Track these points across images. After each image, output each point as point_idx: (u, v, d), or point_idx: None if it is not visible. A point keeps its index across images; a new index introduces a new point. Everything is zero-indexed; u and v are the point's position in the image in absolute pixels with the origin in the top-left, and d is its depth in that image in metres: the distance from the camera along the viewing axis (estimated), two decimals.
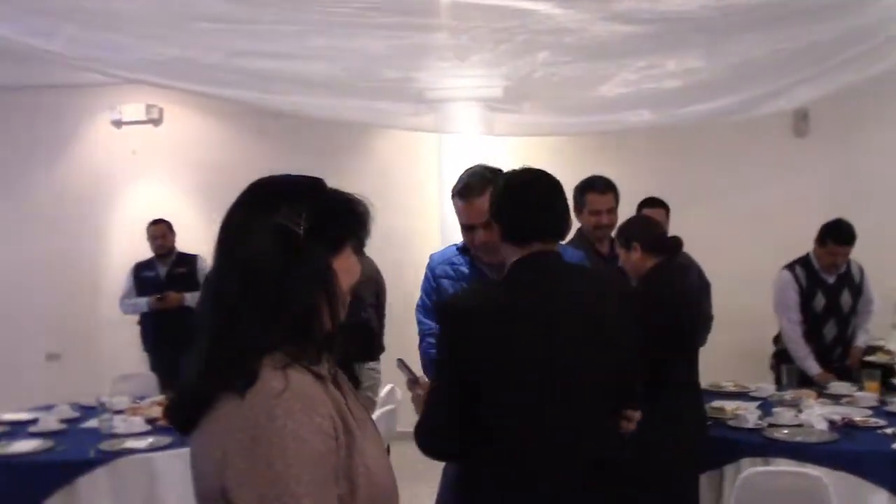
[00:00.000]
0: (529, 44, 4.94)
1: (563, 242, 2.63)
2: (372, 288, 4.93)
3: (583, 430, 2.24)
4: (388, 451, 3.75)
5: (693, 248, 4.72)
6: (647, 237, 3.66)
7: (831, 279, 4.94)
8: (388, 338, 5.17)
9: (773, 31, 4.77)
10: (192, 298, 6.05)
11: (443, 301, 2.43)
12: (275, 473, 1.29)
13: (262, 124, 7.20)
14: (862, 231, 4.86)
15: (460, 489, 2.45)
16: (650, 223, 3.91)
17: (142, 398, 4.86)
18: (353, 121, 6.25)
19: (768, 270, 5.18)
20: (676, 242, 3.78)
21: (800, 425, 3.82)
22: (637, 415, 2.45)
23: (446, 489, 2.93)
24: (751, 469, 3.49)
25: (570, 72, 5.21)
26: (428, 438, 2.30)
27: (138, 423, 4.08)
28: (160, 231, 6.37)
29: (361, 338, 3.58)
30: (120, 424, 4.07)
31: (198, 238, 6.09)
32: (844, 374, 4.85)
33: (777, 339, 5.22)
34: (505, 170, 2.53)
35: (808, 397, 4.25)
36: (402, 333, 3.14)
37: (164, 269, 6.38)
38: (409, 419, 2.54)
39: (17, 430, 4.24)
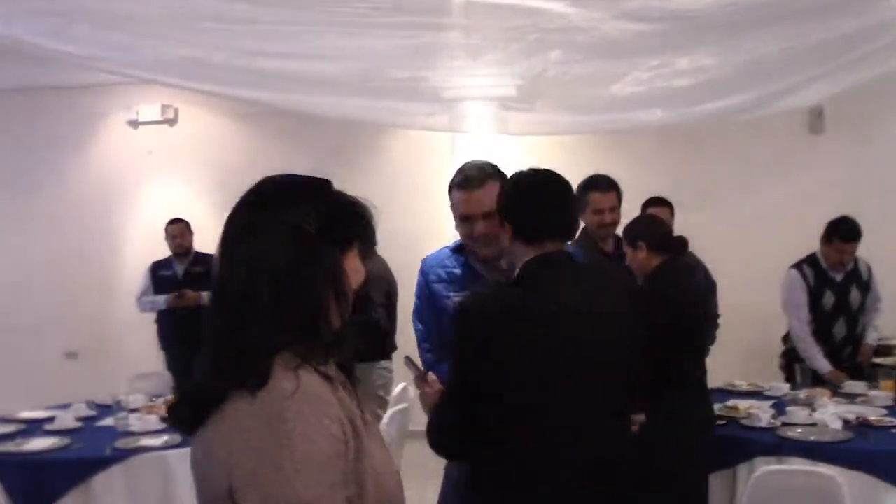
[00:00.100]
0: (541, 43, 4.93)
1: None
2: (383, 287, 4.94)
3: (591, 430, 2.24)
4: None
5: (707, 247, 4.71)
6: (652, 236, 3.67)
7: (839, 277, 4.93)
8: (399, 337, 5.18)
9: (786, 28, 4.75)
10: (209, 298, 6.07)
11: (457, 302, 2.43)
12: (283, 476, 1.28)
13: (277, 124, 7.23)
14: (878, 229, 4.84)
15: (466, 488, 2.45)
16: (656, 222, 3.92)
17: (157, 397, 4.89)
18: (366, 120, 6.27)
19: (784, 269, 5.15)
20: (682, 242, 3.79)
21: (814, 424, 3.80)
22: (640, 418, 2.45)
23: (450, 489, 2.92)
24: (764, 468, 3.47)
25: (582, 70, 5.21)
26: (440, 437, 2.31)
27: (153, 422, 4.10)
28: (179, 230, 6.41)
29: (371, 337, 3.59)
30: (135, 423, 4.10)
31: (213, 238, 6.04)
32: (855, 372, 4.83)
33: (786, 339, 5.20)
34: (513, 169, 2.52)
35: (823, 396, 4.23)
36: (413, 333, 3.16)
37: (181, 269, 6.42)
38: (421, 418, 2.54)
39: (34, 427, 4.28)
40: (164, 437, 3.87)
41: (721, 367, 4.46)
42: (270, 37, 4.73)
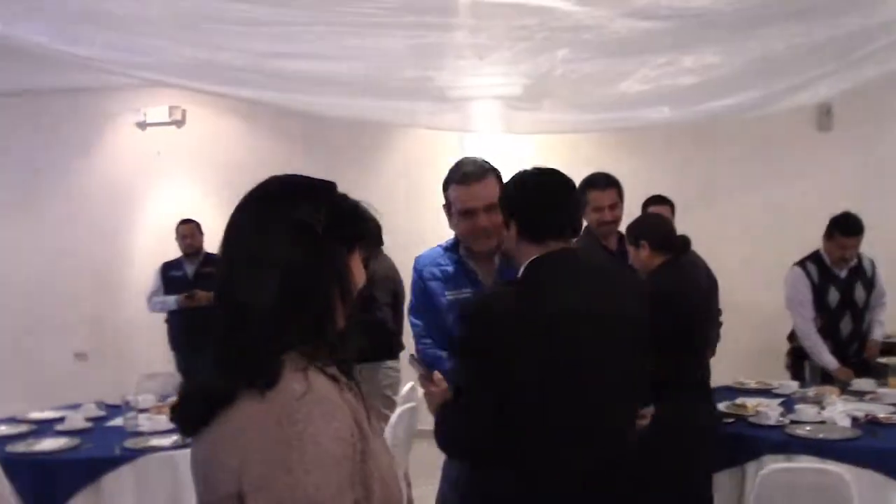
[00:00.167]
0: (548, 41, 4.92)
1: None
2: (389, 287, 4.95)
3: (592, 431, 2.25)
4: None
5: (715, 245, 4.71)
6: (655, 235, 3.68)
7: (843, 274, 4.93)
8: (406, 336, 5.17)
9: (793, 26, 4.73)
10: None
11: (463, 302, 2.43)
12: (294, 479, 1.28)
13: (285, 125, 7.25)
14: (886, 226, 4.83)
15: (467, 488, 2.45)
16: (659, 221, 3.94)
17: (166, 397, 4.91)
18: (374, 120, 6.28)
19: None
20: (684, 241, 3.81)
21: (822, 422, 3.80)
22: (650, 410, 2.45)
23: (448, 489, 2.92)
24: (771, 465, 3.47)
25: (589, 69, 5.19)
26: (448, 437, 2.32)
27: (162, 422, 4.11)
28: (189, 230, 6.44)
29: (375, 337, 3.60)
30: (144, 423, 4.12)
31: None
32: (862, 368, 4.83)
33: (792, 337, 5.19)
34: (522, 168, 2.53)
35: (831, 394, 4.23)
36: None
37: (191, 269, 6.46)
38: (429, 417, 2.54)
39: (45, 428, 4.30)
40: (173, 437, 3.88)
41: (728, 365, 4.46)
42: (278, 38, 4.74)
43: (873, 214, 4.90)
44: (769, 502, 3.36)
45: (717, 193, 6.77)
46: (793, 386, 4.62)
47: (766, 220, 6.73)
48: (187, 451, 3.85)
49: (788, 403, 4.18)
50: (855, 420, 3.80)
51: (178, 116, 7.75)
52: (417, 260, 3.05)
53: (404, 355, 5.01)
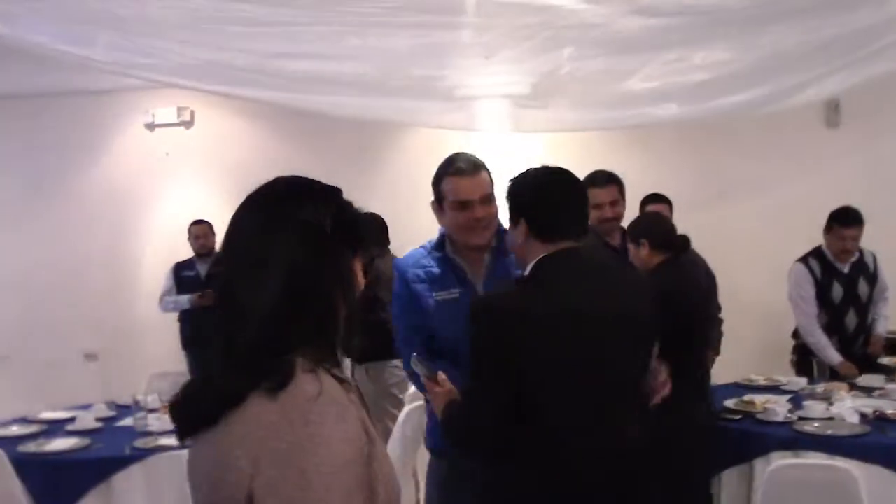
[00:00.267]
0: (555, 40, 4.92)
1: None
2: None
3: (597, 429, 2.25)
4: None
5: (723, 242, 4.71)
6: (655, 234, 3.69)
7: (846, 269, 4.92)
8: None
9: (801, 22, 4.73)
10: None
11: (473, 301, 2.43)
12: (306, 481, 1.27)
13: (292, 125, 7.25)
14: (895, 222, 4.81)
15: (463, 488, 2.46)
16: (659, 220, 3.94)
17: None
18: (381, 120, 6.28)
19: None
20: (684, 240, 3.81)
21: (831, 418, 3.79)
22: (665, 390, 2.46)
23: (433, 490, 2.91)
24: (780, 462, 3.47)
25: (596, 67, 5.19)
26: (458, 434, 2.34)
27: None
28: (202, 231, 6.48)
29: (380, 337, 3.62)
30: (154, 423, 4.14)
31: None
32: (867, 363, 4.82)
33: (797, 334, 5.19)
34: (529, 166, 2.53)
35: (840, 390, 4.22)
36: None
37: (204, 269, 6.48)
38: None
39: (55, 428, 4.32)
40: None
41: (734, 362, 4.45)
42: (285, 38, 4.75)
43: (881, 211, 4.89)
44: (777, 499, 3.36)
45: (725, 190, 6.75)
46: (801, 382, 4.60)
47: (773, 217, 6.70)
48: None
49: (797, 400, 4.16)
50: (863, 416, 3.79)
51: (186, 117, 7.76)
52: (397, 264, 2.97)
53: None
